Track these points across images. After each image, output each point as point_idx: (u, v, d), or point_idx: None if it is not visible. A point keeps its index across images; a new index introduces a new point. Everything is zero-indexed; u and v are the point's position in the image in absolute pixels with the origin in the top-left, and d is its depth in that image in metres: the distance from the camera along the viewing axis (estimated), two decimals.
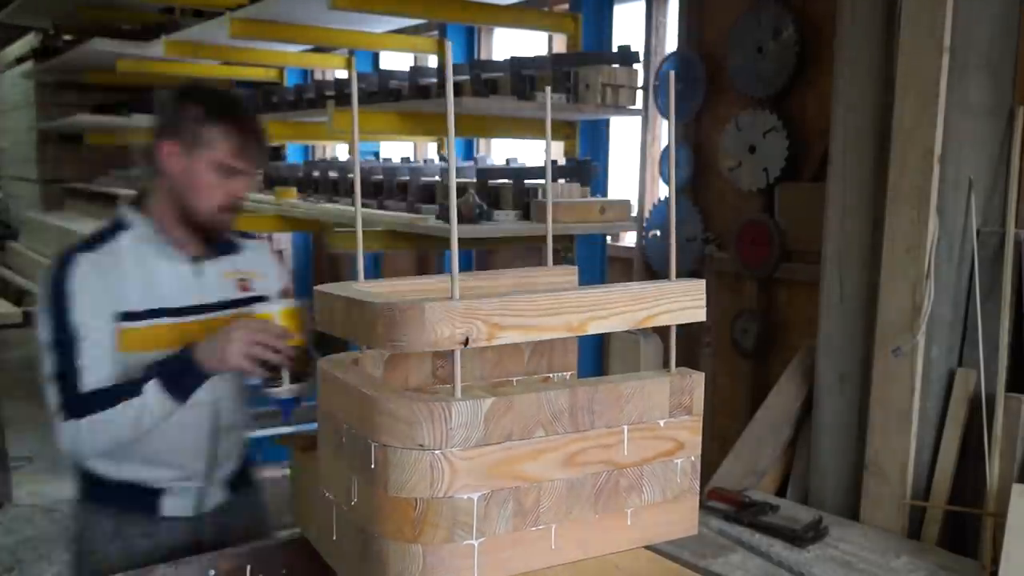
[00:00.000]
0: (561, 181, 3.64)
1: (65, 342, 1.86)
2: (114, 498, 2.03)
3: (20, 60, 8.10)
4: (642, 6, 4.14)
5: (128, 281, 1.92)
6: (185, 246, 2.00)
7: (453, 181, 1.32)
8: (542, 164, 4.00)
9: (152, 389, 1.84)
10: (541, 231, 3.44)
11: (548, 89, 1.67)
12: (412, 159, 5.29)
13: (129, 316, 1.91)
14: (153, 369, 1.86)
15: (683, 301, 1.52)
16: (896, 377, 2.68)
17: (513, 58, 3.55)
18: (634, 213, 3.92)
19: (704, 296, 1.55)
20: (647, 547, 1.53)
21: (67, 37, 7.14)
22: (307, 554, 1.70)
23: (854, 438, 2.87)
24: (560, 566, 1.42)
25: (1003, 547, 2.31)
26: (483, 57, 5.18)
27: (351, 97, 1.56)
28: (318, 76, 6.62)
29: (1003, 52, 2.68)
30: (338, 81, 4.40)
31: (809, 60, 3.39)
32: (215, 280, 2.04)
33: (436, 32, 5.25)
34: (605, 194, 4.15)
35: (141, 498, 2.03)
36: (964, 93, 2.63)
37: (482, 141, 5.24)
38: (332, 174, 4.62)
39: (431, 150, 5.84)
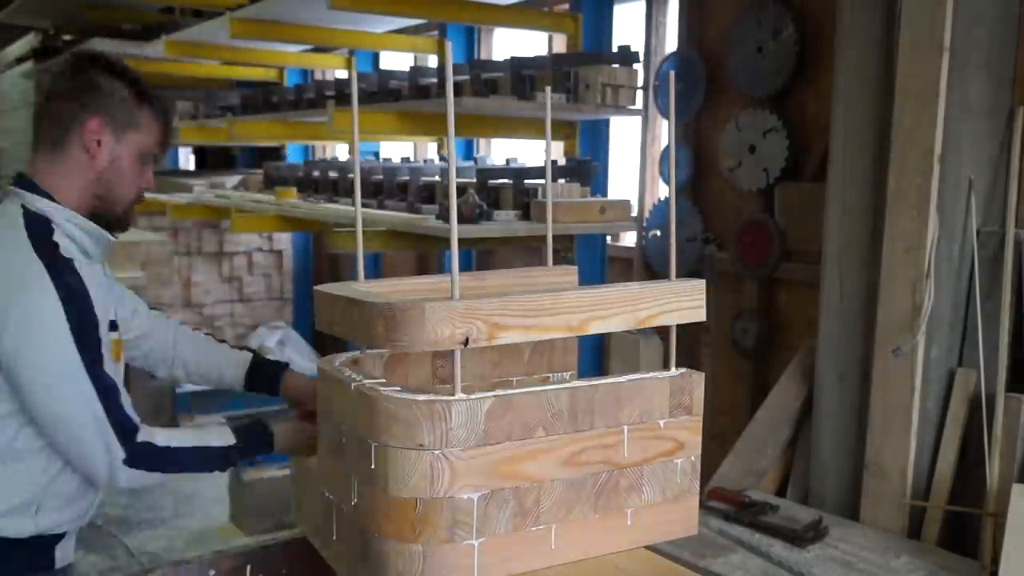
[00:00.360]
0: (561, 181, 3.64)
1: (97, 350, 1.64)
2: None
3: (20, 60, 8.09)
4: (642, 6, 4.14)
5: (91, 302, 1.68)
6: (103, 241, 1.77)
7: (453, 181, 1.32)
8: (542, 164, 4.00)
9: (230, 462, 1.81)
10: (541, 231, 3.45)
11: (548, 89, 1.67)
12: (412, 159, 5.29)
13: (113, 324, 1.76)
14: (234, 453, 1.81)
15: (683, 301, 1.52)
16: (896, 377, 2.68)
17: (513, 58, 3.55)
18: (634, 213, 3.92)
19: (704, 296, 1.55)
20: (647, 547, 1.53)
21: (67, 37, 7.13)
22: (307, 554, 1.70)
23: (854, 438, 2.87)
24: (560, 566, 1.42)
25: (1003, 547, 2.31)
26: (483, 57, 5.18)
27: (351, 97, 1.57)
28: (318, 76, 6.62)
29: (1003, 52, 2.68)
30: (338, 81, 4.40)
31: (809, 60, 3.39)
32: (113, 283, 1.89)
33: (436, 32, 5.25)
34: (605, 194, 4.15)
35: (37, 554, 1.75)
36: (964, 93, 2.63)
37: (482, 141, 5.24)
38: (332, 174, 4.63)
39: (431, 150, 5.84)
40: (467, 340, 1.33)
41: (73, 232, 1.69)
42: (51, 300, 1.58)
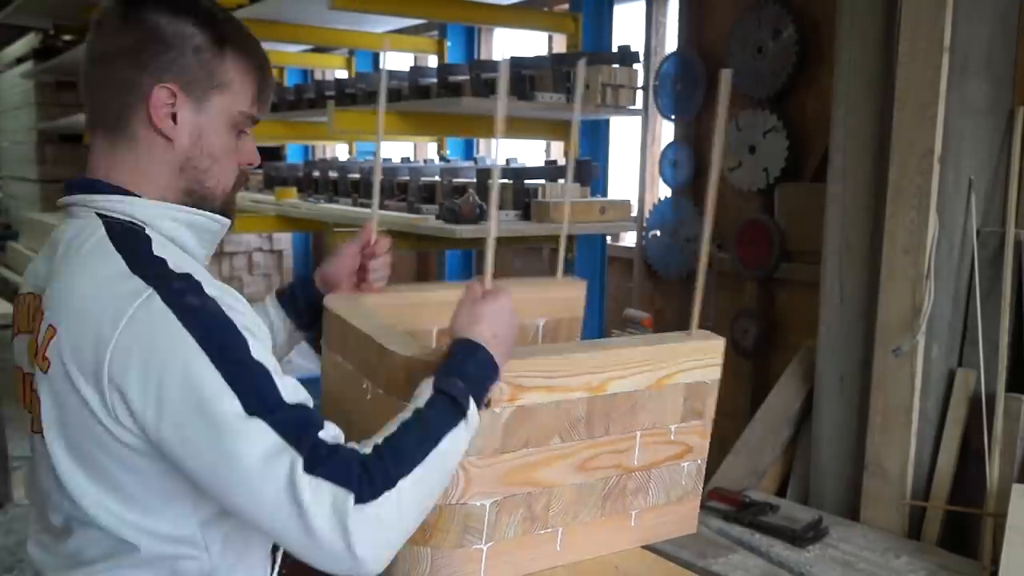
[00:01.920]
0: (561, 181, 3.64)
1: (260, 377, 1.11)
2: None
3: (20, 60, 8.09)
4: (642, 6, 4.14)
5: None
6: (213, 229, 1.33)
7: (496, 193, 1.31)
8: (542, 164, 4.00)
9: (462, 410, 1.20)
10: (541, 231, 3.46)
11: (580, 84, 1.67)
12: (412, 159, 5.29)
13: None
14: (449, 382, 1.21)
15: (701, 360, 1.52)
16: (896, 377, 2.68)
17: (513, 58, 3.55)
18: (634, 213, 3.92)
19: (722, 354, 1.56)
20: (647, 547, 1.53)
21: (67, 37, 7.13)
22: None
23: (854, 438, 2.87)
24: (561, 567, 1.42)
25: (1003, 547, 2.31)
26: (483, 57, 5.18)
27: (378, 95, 1.52)
28: (318, 76, 6.61)
29: (1003, 52, 2.68)
30: (338, 81, 4.40)
31: (809, 60, 3.39)
32: None
33: (436, 32, 5.25)
34: (605, 194, 4.14)
35: None
36: (964, 93, 2.63)
37: (482, 141, 5.24)
38: (332, 174, 4.62)
39: (431, 150, 5.84)
40: (489, 402, 1.26)
41: (174, 233, 1.24)
42: (178, 340, 1.09)
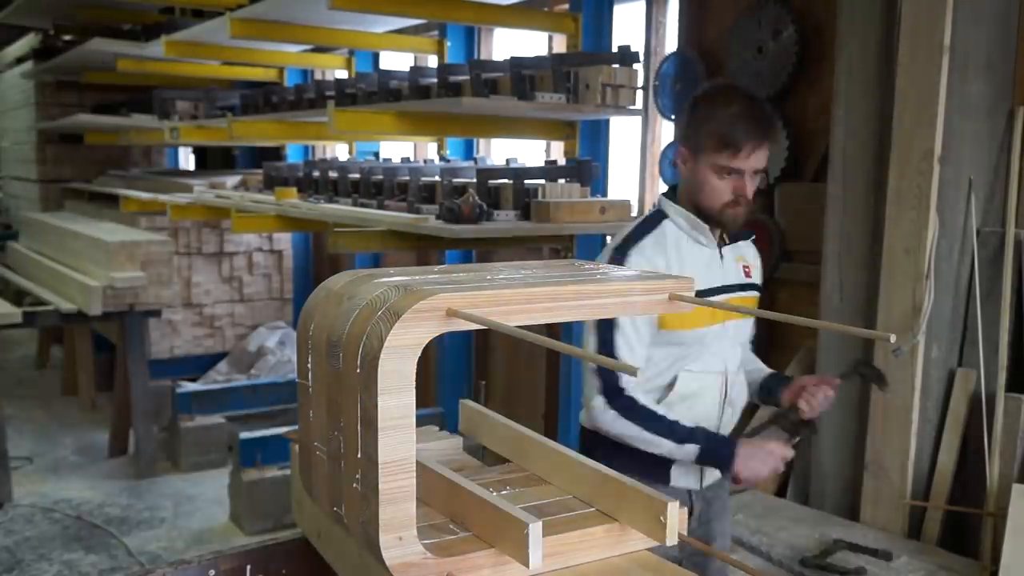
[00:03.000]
0: (561, 181, 3.64)
1: (604, 329, 2.01)
2: (628, 464, 1.94)
3: (20, 60, 8.09)
4: (642, 6, 4.14)
5: (672, 263, 2.06)
6: (708, 234, 2.10)
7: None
8: (542, 164, 4.00)
9: (688, 452, 1.99)
10: (541, 231, 3.46)
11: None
12: (412, 159, 5.29)
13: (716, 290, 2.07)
14: (700, 436, 2.00)
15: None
16: (896, 377, 2.68)
17: (513, 58, 3.55)
18: (634, 213, 3.92)
19: None
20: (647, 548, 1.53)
21: (67, 37, 7.13)
22: (307, 554, 1.70)
23: (854, 438, 2.87)
24: (561, 567, 1.42)
25: (1003, 547, 2.31)
26: (483, 57, 5.18)
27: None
28: (318, 76, 6.62)
29: (1003, 52, 2.68)
30: (338, 81, 4.40)
31: (809, 60, 3.39)
32: (731, 265, 2.16)
33: (436, 32, 5.25)
34: (605, 194, 4.15)
35: (653, 468, 2.06)
36: (964, 94, 2.63)
37: (482, 141, 5.24)
38: (332, 174, 4.63)
39: (431, 150, 5.84)
40: None
41: (679, 221, 2.10)
42: None
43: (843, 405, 2.91)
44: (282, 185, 5.00)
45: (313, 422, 1.46)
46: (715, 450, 2.01)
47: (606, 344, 2.01)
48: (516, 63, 3.54)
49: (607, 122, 4.11)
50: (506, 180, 3.58)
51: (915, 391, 2.65)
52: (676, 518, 1.31)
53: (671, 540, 1.31)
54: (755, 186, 2.09)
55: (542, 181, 3.59)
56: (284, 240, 6.90)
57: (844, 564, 2.43)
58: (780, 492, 3.10)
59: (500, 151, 5.28)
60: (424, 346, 1.24)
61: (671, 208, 2.13)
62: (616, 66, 3.51)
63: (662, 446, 1.99)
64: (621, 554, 1.40)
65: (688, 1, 3.83)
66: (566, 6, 4.27)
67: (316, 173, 4.76)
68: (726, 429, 2.16)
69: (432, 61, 5.36)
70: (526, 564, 1.21)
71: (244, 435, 4.53)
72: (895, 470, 2.69)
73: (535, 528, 1.20)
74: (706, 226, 2.09)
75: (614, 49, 3.87)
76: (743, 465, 1.99)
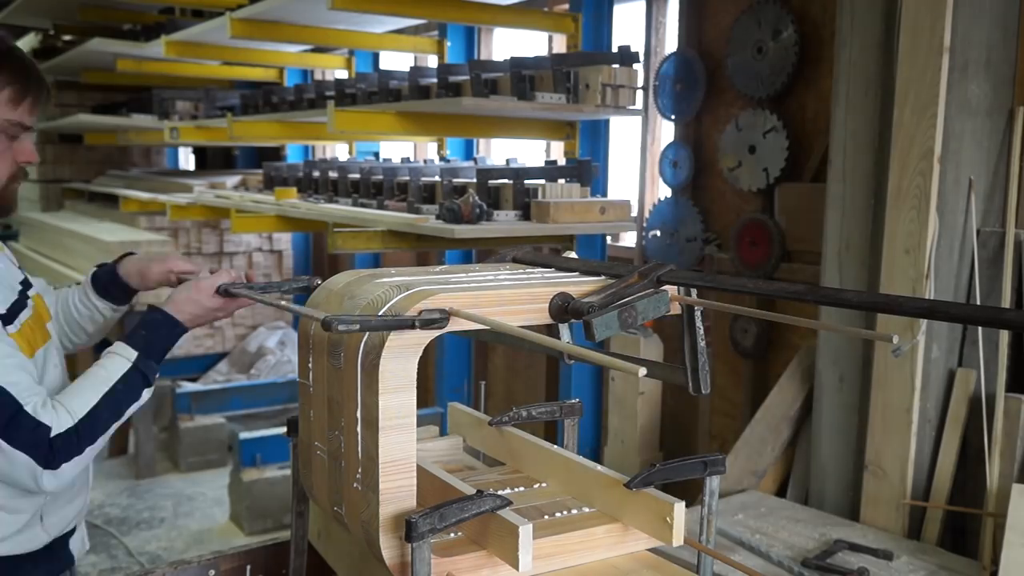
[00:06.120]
0: (561, 181, 3.64)
1: None
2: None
3: None
4: (642, 6, 4.14)
5: None
6: None
7: None
8: (542, 164, 4.00)
9: (128, 359, 1.64)
10: (541, 231, 3.46)
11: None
12: (412, 159, 5.29)
13: (3, 318, 1.62)
14: (134, 340, 1.67)
15: None
16: (896, 377, 2.68)
17: (513, 58, 3.55)
18: (634, 213, 3.92)
19: None
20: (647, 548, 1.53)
21: (67, 37, 7.13)
22: (307, 554, 1.70)
23: (854, 438, 2.87)
24: (562, 567, 1.42)
25: (1003, 547, 2.31)
26: (483, 57, 5.18)
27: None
28: (318, 76, 6.62)
29: (1003, 52, 2.68)
30: (338, 81, 4.40)
31: (809, 60, 3.39)
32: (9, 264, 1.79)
33: (436, 32, 5.25)
34: (605, 194, 4.14)
35: (53, 556, 1.75)
36: (964, 93, 2.63)
37: (482, 141, 5.24)
38: (332, 174, 4.62)
39: (431, 150, 5.84)
40: None
41: None
42: None
43: (843, 405, 2.91)
44: (282, 185, 4.99)
45: (313, 422, 1.46)
46: (149, 325, 1.69)
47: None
48: (516, 63, 3.53)
49: (607, 122, 4.11)
50: (506, 180, 3.58)
51: (915, 391, 2.65)
52: (683, 519, 1.31)
53: (677, 541, 1.31)
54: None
55: (542, 181, 3.59)
56: (284, 240, 6.90)
57: (844, 564, 2.43)
58: (780, 492, 3.10)
59: (500, 151, 5.28)
60: (424, 346, 1.24)
61: None
62: (616, 66, 3.51)
63: (120, 405, 1.61)
64: (622, 554, 1.40)
65: (688, 1, 3.83)
66: (566, 6, 4.27)
67: (316, 173, 4.76)
68: None
69: (432, 61, 5.35)
70: (516, 567, 1.21)
71: (244, 435, 4.54)
72: (895, 470, 2.70)
73: (525, 531, 1.20)
74: None
75: (614, 49, 3.87)
76: (178, 310, 1.72)
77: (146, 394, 1.67)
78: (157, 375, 1.69)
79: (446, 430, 1.85)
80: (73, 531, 1.81)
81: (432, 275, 1.50)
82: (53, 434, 1.53)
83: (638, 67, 3.58)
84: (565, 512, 1.43)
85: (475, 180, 3.60)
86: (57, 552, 1.76)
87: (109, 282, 1.96)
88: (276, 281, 1.90)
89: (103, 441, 1.61)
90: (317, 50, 5.92)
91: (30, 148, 1.68)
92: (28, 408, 1.52)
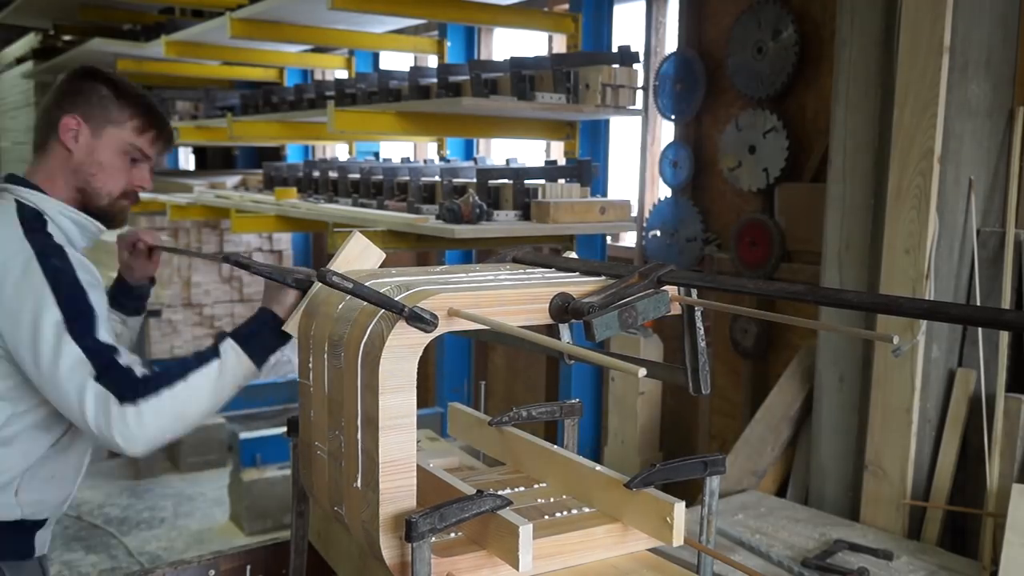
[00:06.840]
0: (561, 181, 3.64)
1: (86, 319, 1.68)
2: None
3: (20, 60, 8.09)
4: (642, 6, 4.14)
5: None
6: (91, 230, 1.91)
7: None
8: (542, 164, 4.00)
9: (230, 349, 1.71)
10: (541, 231, 3.46)
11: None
12: (412, 159, 5.29)
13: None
14: (226, 335, 1.75)
15: None
16: (896, 377, 2.68)
17: (513, 58, 3.55)
18: (634, 213, 3.92)
19: None
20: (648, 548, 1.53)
21: (67, 37, 7.13)
22: (307, 554, 1.70)
23: (854, 438, 2.87)
24: (562, 567, 1.42)
25: (1003, 547, 2.31)
26: (483, 57, 5.18)
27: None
28: (318, 76, 6.62)
29: (1003, 52, 2.68)
30: (338, 81, 4.40)
31: (809, 60, 3.39)
32: None
33: (436, 32, 5.25)
34: (605, 194, 4.15)
35: (18, 539, 1.82)
36: (964, 94, 2.63)
37: (482, 141, 5.24)
38: (332, 174, 4.62)
39: (431, 150, 5.84)
40: None
41: (62, 222, 1.82)
42: (38, 282, 1.67)
43: (843, 405, 2.91)
44: (282, 185, 4.99)
45: (313, 422, 1.46)
46: (256, 322, 1.76)
47: (85, 324, 1.68)
48: (516, 63, 3.54)
49: (607, 122, 4.11)
50: (506, 180, 3.58)
51: (915, 391, 2.65)
52: (683, 519, 1.31)
53: (677, 541, 1.31)
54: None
55: (542, 181, 3.59)
56: (284, 240, 6.90)
57: (844, 564, 2.43)
58: (780, 492, 3.10)
59: (500, 151, 5.28)
60: (424, 346, 1.24)
61: (50, 204, 1.83)
62: (616, 66, 3.51)
63: (210, 382, 1.71)
64: (622, 554, 1.40)
65: (688, 1, 3.83)
66: (566, 6, 4.27)
67: (316, 173, 4.76)
68: None
69: (432, 61, 5.35)
70: (516, 567, 1.20)
71: (244, 435, 4.54)
72: (895, 470, 2.70)
73: (525, 531, 1.20)
74: (85, 220, 1.87)
75: (614, 49, 3.87)
76: (273, 302, 1.76)
77: (216, 364, 1.70)
78: (249, 358, 1.74)
79: (446, 430, 1.84)
80: (44, 523, 1.86)
81: (432, 275, 1.50)
82: (139, 374, 1.66)
83: (638, 67, 3.58)
84: (565, 512, 1.43)
85: (475, 180, 3.60)
86: (24, 536, 1.82)
87: (120, 294, 2.12)
88: (278, 267, 1.91)
89: (180, 407, 1.67)
90: (317, 50, 5.92)
91: (145, 175, 1.93)
92: (120, 360, 1.67)
